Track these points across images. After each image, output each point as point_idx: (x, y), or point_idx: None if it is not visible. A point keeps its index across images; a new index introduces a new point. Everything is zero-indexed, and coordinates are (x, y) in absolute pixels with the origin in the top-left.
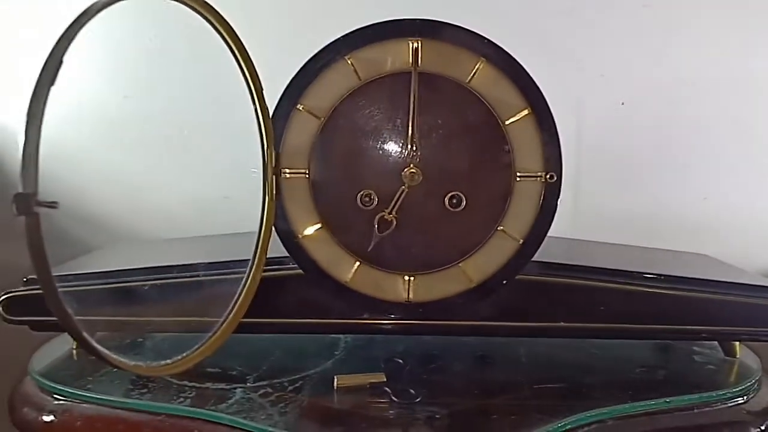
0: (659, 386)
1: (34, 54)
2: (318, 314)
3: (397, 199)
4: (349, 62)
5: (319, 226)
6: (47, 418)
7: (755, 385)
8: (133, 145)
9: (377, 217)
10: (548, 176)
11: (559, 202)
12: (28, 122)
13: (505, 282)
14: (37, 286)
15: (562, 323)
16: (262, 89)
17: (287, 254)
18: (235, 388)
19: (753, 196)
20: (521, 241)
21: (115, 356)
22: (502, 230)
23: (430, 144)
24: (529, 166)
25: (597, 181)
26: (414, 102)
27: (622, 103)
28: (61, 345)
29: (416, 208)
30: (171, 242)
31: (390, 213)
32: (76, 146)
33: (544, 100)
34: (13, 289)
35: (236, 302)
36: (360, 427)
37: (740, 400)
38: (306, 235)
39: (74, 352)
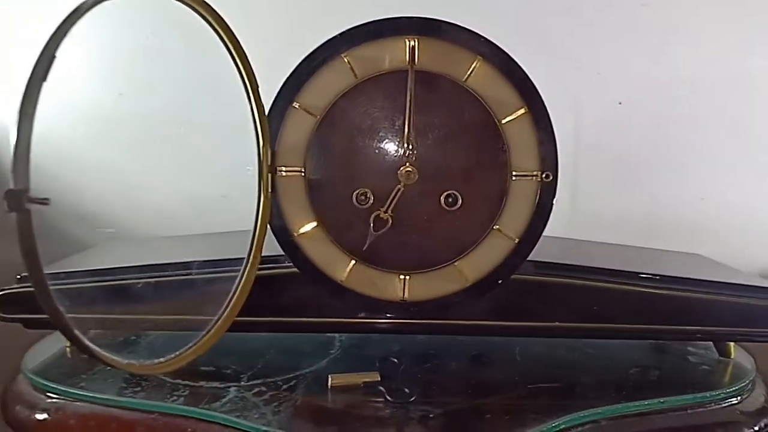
0: (653, 386)
1: (33, 53)
2: (313, 313)
3: (393, 198)
4: (345, 60)
5: (314, 224)
6: (40, 417)
7: (749, 386)
8: (129, 143)
9: (373, 215)
10: (544, 175)
11: (555, 202)
12: (20, 118)
13: (500, 281)
14: (30, 284)
15: (557, 323)
16: (257, 87)
17: (282, 252)
18: (229, 387)
19: (751, 195)
20: (517, 240)
21: (107, 354)
22: (497, 229)
23: (426, 143)
24: (525, 166)
25: (594, 180)
26: (410, 100)
27: (620, 103)
28: (55, 343)
29: (412, 207)
30: (167, 240)
31: (386, 212)
32: (71, 144)
33: (541, 99)
34: (6, 287)
35: (231, 300)
36: (354, 427)
37: (734, 401)
38: (301, 234)
39: (68, 350)
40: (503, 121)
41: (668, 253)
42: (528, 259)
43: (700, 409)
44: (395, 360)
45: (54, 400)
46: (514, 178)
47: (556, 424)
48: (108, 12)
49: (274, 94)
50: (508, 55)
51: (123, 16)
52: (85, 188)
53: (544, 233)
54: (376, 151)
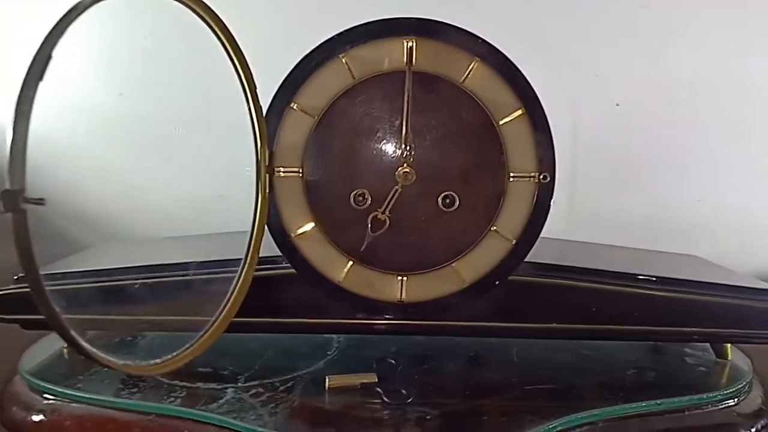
0: (650, 388)
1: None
2: (310, 314)
3: (391, 199)
4: (343, 61)
5: (312, 225)
6: (36, 418)
7: (746, 387)
8: (128, 143)
9: (370, 216)
10: (542, 177)
11: (553, 203)
12: (16, 118)
13: (497, 282)
14: (26, 284)
15: (554, 324)
16: (255, 87)
17: (280, 253)
18: (226, 388)
19: (748, 197)
20: (514, 241)
21: (103, 355)
22: (495, 230)
23: (423, 144)
24: (522, 167)
25: (592, 181)
26: (408, 101)
27: (618, 104)
28: (52, 343)
29: (409, 208)
30: (165, 241)
31: (383, 212)
32: (70, 144)
33: (538, 100)
34: (3, 287)
35: (228, 301)
36: (351, 428)
37: (731, 402)
38: (299, 234)
39: (65, 350)
40: (501, 123)
41: (666, 255)
42: (525, 260)
43: (697, 411)
44: (392, 361)
45: (50, 402)
46: (511, 179)
47: (553, 425)
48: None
49: (272, 95)
50: (505, 56)
51: (122, 16)
52: (84, 188)
53: (541, 234)
54: (374, 152)
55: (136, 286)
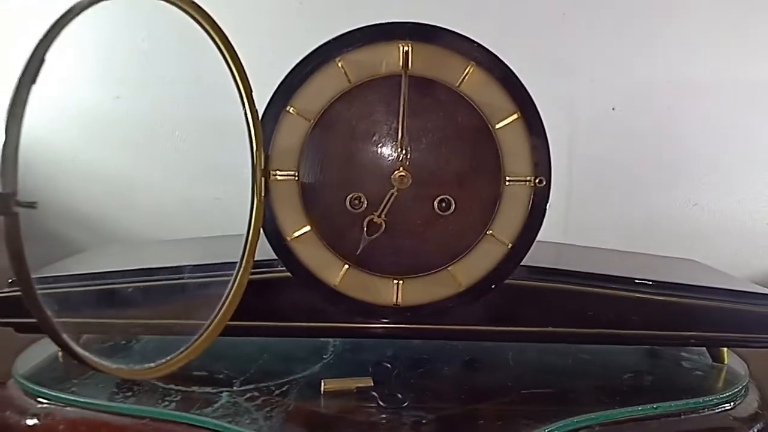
0: (647, 392)
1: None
2: (306, 317)
3: (387, 202)
4: (339, 65)
5: (307, 228)
6: (30, 422)
7: (742, 392)
8: (125, 146)
9: (366, 220)
10: (537, 181)
11: (549, 207)
12: (8, 121)
13: (493, 286)
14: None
15: (550, 328)
16: (251, 91)
17: (275, 257)
18: (221, 392)
19: (745, 201)
20: (510, 245)
21: (96, 359)
22: (491, 234)
23: (419, 147)
24: (518, 171)
25: (589, 185)
26: (404, 105)
27: (613, 108)
28: (47, 347)
29: (405, 212)
30: (161, 244)
31: (379, 216)
32: (67, 147)
33: (534, 104)
34: None
35: (223, 305)
36: None
37: (727, 407)
38: (294, 238)
39: (59, 354)
40: (497, 126)
41: (662, 259)
42: (522, 264)
43: (694, 415)
44: (388, 365)
45: (44, 406)
46: (507, 183)
47: (549, 429)
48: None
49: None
50: (501, 60)
51: (119, 20)
52: (80, 191)
53: (538, 238)
54: (370, 155)
55: (130, 289)
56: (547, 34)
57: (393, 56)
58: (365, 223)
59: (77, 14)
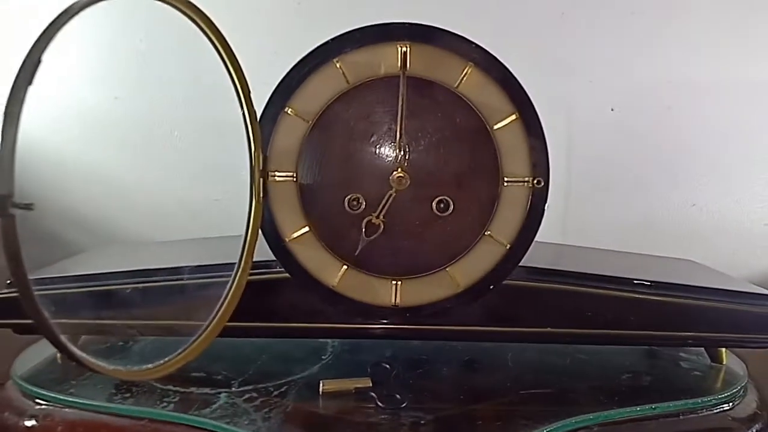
0: (645, 392)
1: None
2: (305, 318)
3: (385, 203)
4: (337, 66)
5: (306, 229)
6: (28, 423)
7: (741, 392)
8: (123, 147)
9: (365, 220)
10: (536, 181)
11: (548, 208)
12: (4, 122)
13: (492, 287)
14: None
15: (549, 328)
16: (249, 92)
17: (274, 258)
18: (219, 393)
19: (743, 201)
20: (508, 246)
21: (93, 360)
22: (489, 235)
23: (418, 148)
24: (516, 171)
25: (587, 186)
26: (402, 106)
27: (612, 109)
28: (45, 348)
29: (404, 213)
30: (159, 245)
31: (377, 217)
32: (65, 148)
33: (532, 105)
34: None
35: (221, 306)
36: None
37: (726, 407)
38: (293, 239)
39: (58, 355)
40: (495, 127)
41: (660, 259)
42: (520, 264)
43: (692, 415)
44: (387, 366)
45: (42, 407)
46: (505, 184)
47: (548, 430)
48: (102, 17)
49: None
50: (499, 61)
51: (117, 20)
52: (79, 192)
53: (536, 239)
54: (369, 156)
55: (128, 290)
56: (545, 34)
57: (391, 57)
58: (364, 224)
59: (73, 15)
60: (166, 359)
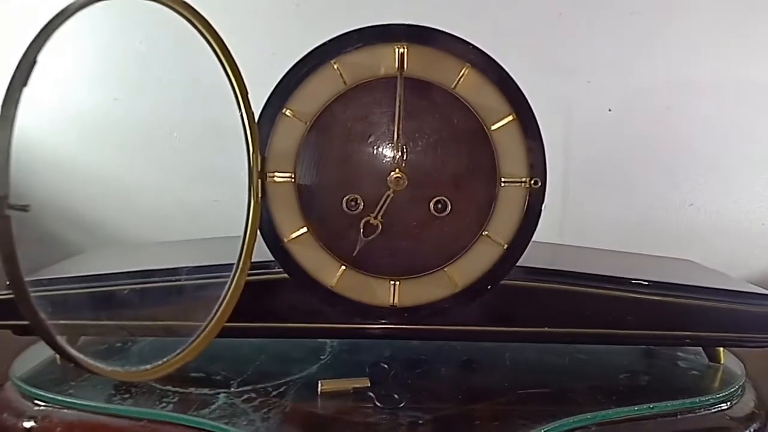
0: (643, 392)
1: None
2: (303, 319)
3: (383, 204)
4: (335, 67)
5: (304, 230)
6: (27, 424)
7: (739, 391)
8: (122, 148)
9: (363, 221)
10: (533, 182)
11: (545, 208)
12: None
13: (490, 287)
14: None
15: (546, 328)
16: (247, 93)
17: (272, 258)
18: (218, 393)
19: (741, 201)
20: (506, 246)
21: (91, 361)
22: (486, 235)
23: (415, 149)
24: (513, 172)
25: (585, 186)
26: (400, 107)
27: (610, 110)
28: (44, 349)
29: (402, 213)
30: (158, 246)
31: (375, 217)
32: (64, 149)
33: (529, 106)
34: None
35: (220, 306)
36: None
37: (724, 406)
38: (291, 239)
39: (57, 356)
40: (492, 128)
41: (658, 259)
42: (518, 264)
43: (690, 415)
44: (385, 366)
45: (41, 408)
46: (502, 184)
47: (546, 429)
48: (101, 18)
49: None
50: (496, 62)
51: (116, 22)
52: (78, 193)
53: (534, 239)
54: (366, 157)
55: (125, 291)
56: (544, 35)
57: (388, 58)
58: (362, 225)
59: (69, 17)
60: (165, 360)
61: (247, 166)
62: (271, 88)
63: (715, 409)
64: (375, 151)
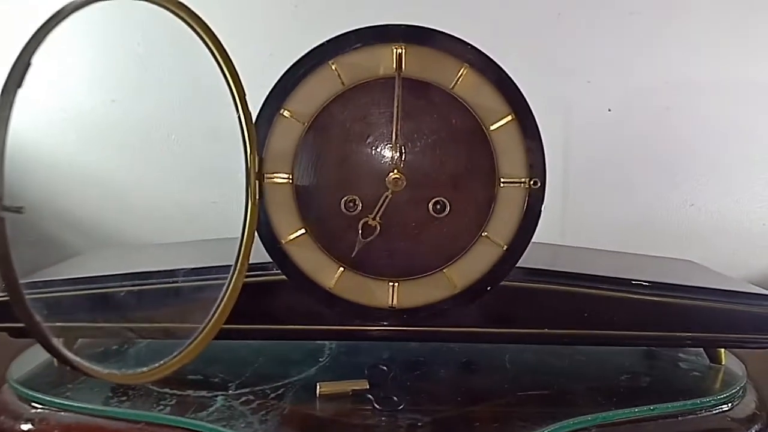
0: (644, 393)
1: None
2: (301, 320)
3: (381, 205)
4: (333, 67)
5: (302, 231)
6: (24, 427)
7: (740, 392)
8: (120, 150)
9: (361, 222)
10: (532, 182)
11: (545, 208)
12: None
13: (489, 288)
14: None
15: (546, 329)
16: (244, 94)
17: (270, 260)
18: (216, 396)
19: (742, 201)
20: (505, 247)
21: (87, 363)
22: (486, 236)
23: (414, 150)
24: (512, 172)
25: (585, 187)
26: (398, 108)
27: (610, 110)
28: (41, 352)
29: (400, 214)
30: (155, 247)
31: (374, 218)
32: (62, 150)
33: (528, 106)
34: None
35: (217, 308)
36: None
37: (725, 408)
38: (289, 241)
39: (54, 359)
40: (491, 128)
41: (659, 259)
42: (518, 265)
43: (691, 416)
44: (384, 367)
45: (38, 411)
46: (502, 184)
47: (546, 431)
48: (99, 20)
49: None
50: (494, 62)
51: (114, 23)
52: (76, 194)
53: (534, 240)
54: (364, 158)
55: (122, 293)
56: (543, 35)
57: (387, 59)
58: (360, 226)
59: (64, 18)
60: (162, 362)
61: (245, 167)
62: (269, 89)
63: (716, 411)
64: (373, 152)
